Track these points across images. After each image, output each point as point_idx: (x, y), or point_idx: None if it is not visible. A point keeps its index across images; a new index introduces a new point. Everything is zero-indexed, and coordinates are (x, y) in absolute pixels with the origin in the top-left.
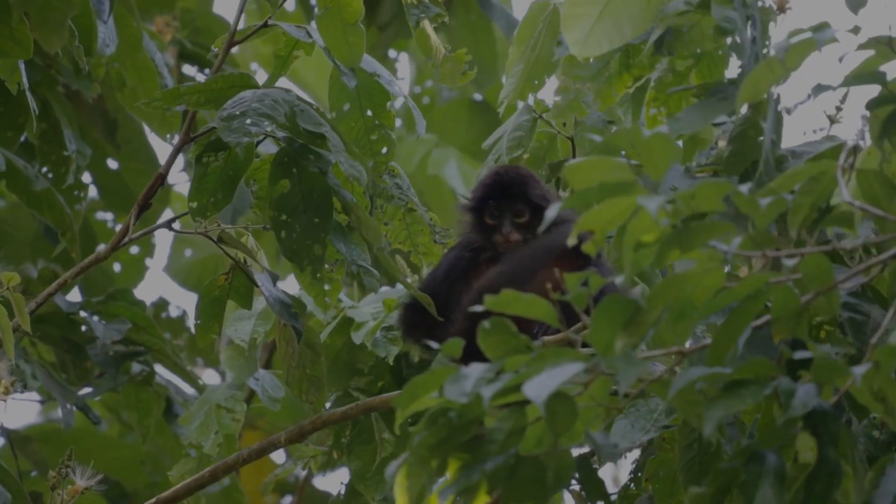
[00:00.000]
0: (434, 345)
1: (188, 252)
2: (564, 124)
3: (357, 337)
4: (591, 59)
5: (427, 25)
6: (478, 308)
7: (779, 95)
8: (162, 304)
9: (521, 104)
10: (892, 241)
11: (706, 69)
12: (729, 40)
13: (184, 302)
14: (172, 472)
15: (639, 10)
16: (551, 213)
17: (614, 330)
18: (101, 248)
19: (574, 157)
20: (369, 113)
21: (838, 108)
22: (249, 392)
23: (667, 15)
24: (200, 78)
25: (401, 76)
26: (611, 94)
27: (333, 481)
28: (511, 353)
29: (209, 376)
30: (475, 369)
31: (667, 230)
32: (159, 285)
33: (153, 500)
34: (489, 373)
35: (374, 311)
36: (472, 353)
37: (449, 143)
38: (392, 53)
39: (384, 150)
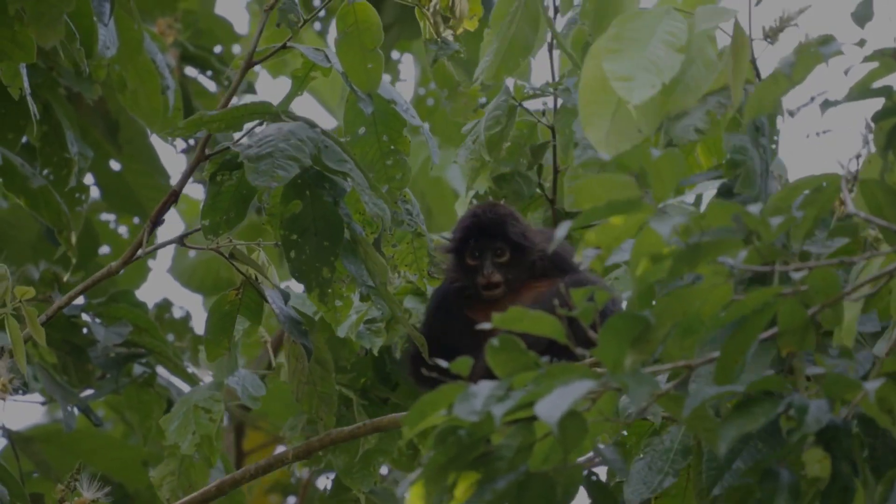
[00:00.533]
0: (444, 363)
1: (192, 253)
2: (544, 113)
3: (341, 330)
4: None
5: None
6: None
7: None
8: (165, 306)
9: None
10: None
11: (712, 143)
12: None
13: (187, 303)
14: (153, 473)
15: (652, 108)
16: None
17: (623, 347)
18: (106, 249)
19: (555, 147)
20: (385, 138)
21: (850, 187)
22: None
23: (678, 138)
24: (203, 80)
25: (403, 77)
26: None
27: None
28: (520, 371)
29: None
30: (484, 387)
31: (676, 248)
32: (163, 286)
33: None
34: (499, 391)
35: (356, 306)
36: None
37: (452, 146)
38: (395, 55)
39: (399, 175)
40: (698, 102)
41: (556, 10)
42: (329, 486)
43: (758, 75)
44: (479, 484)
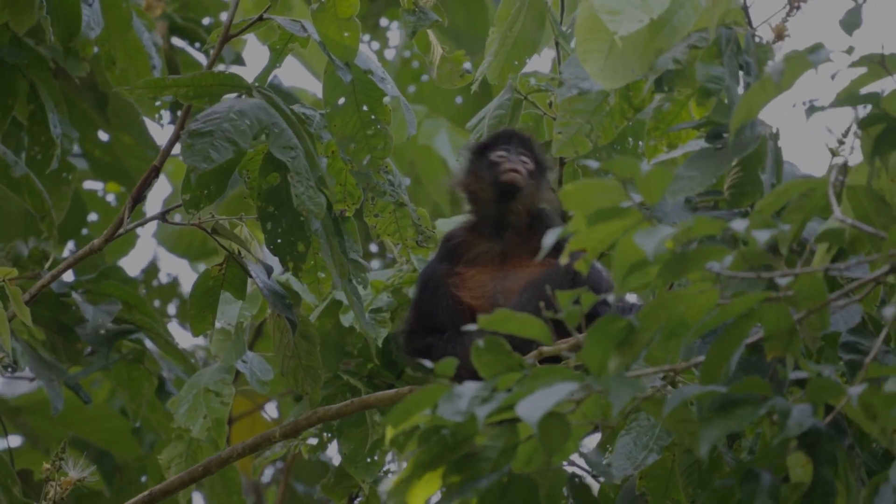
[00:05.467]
0: (428, 364)
1: (178, 217)
2: (550, 105)
3: (346, 319)
4: (593, 94)
5: None
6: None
7: (778, 132)
8: (152, 271)
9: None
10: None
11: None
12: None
13: (174, 268)
14: (162, 455)
15: (642, 48)
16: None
17: (608, 350)
18: (94, 217)
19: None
20: (365, 108)
21: (841, 142)
22: None
23: (658, 70)
24: (192, 52)
25: (392, 44)
26: (612, 126)
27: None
28: (504, 372)
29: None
30: (469, 388)
31: (663, 255)
32: (151, 249)
33: (146, 493)
34: (483, 392)
35: (361, 294)
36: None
37: (439, 114)
38: (384, 22)
39: (380, 145)
40: (681, 39)
41: (563, 8)
42: (332, 474)
43: (749, 23)
44: (461, 483)
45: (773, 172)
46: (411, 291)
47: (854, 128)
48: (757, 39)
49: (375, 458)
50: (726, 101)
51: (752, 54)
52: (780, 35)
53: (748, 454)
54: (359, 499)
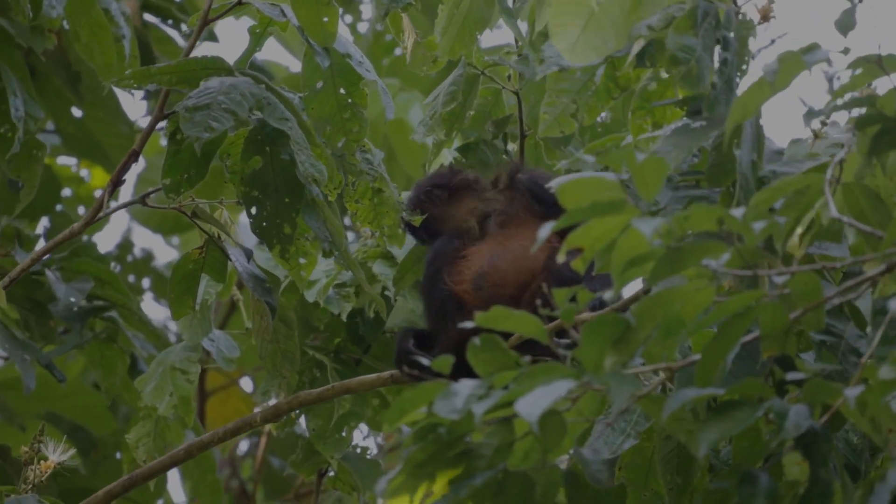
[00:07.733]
0: (425, 361)
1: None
2: (509, 78)
3: (310, 295)
4: (578, 73)
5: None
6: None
7: (758, 112)
8: (126, 246)
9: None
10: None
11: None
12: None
13: (148, 242)
14: (130, 434)
15: (621, 20)
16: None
17: (604, 348)
18: (67, 192)
19: (521, 112)
20: (342, 91)
21: (823, 123)
22: None
23: (635, 37)
24: (165, 28)
25: (365, 17)
26: (597, 106)
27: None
28: (501, 370)
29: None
30: (465, 386)
31: (659, 250)
32: (123, 225)
33: (126, 476)
34: (480, 389)
35: (326, 269)
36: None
37: (413, 87)
38: None
39: (356, 128)
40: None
41: None
42: (300, 451)
43: (734, 0)
44: (457, 481)
45: (752, 148)
46: (376, 266)
47: (842, 121)
48: (740, 17)
49: (343, 433)
50: (695, 72)
51: (734, 30)
52: (765, 16)
53: (727, 443)
54: (328, 474)
